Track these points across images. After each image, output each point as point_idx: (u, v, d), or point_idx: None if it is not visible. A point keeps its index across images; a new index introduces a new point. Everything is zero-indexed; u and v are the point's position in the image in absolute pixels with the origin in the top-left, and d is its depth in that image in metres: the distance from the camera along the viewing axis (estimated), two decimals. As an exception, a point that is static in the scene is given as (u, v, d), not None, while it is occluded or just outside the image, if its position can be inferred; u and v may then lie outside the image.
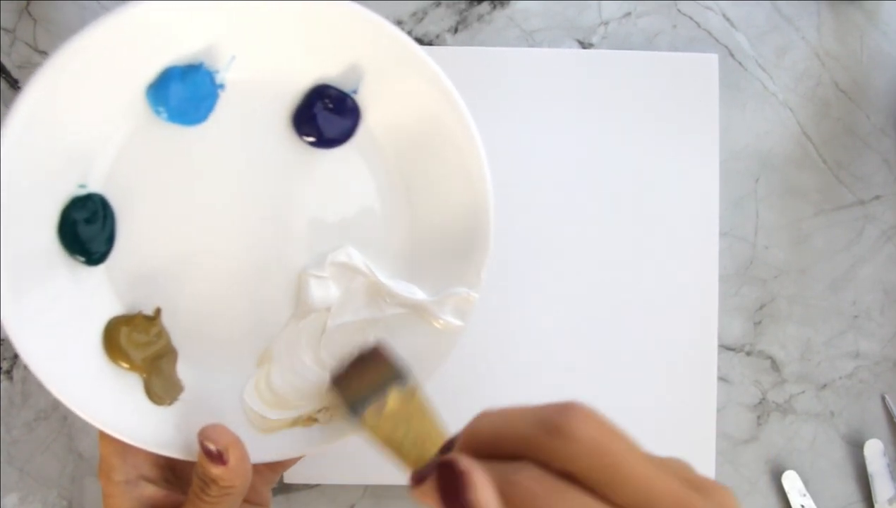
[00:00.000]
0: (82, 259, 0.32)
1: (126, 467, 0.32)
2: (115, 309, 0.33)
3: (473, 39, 0.47)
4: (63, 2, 0.45)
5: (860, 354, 0.47)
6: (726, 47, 0.47)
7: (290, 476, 0.45)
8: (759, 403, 0.47)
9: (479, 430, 0.22)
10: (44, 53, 0.45)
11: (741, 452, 0.47)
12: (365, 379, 0.30)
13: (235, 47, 0.33)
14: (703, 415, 0.45)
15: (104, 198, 0.33)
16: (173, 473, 0.34)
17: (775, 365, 0.47)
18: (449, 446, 0.24)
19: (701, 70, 0.46)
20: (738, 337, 0.47)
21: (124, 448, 0.32)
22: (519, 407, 0.22)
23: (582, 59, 0.46)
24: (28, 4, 0.45)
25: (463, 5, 0.47)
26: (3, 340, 0.45)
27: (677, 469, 0.21)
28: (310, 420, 0.34)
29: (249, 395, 0.34)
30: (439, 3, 0.47)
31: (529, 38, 0.47)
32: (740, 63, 0.47)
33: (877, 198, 0.48)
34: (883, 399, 0.47)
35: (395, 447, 0.28)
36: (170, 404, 0.33)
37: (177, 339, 0.34)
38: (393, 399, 0.29)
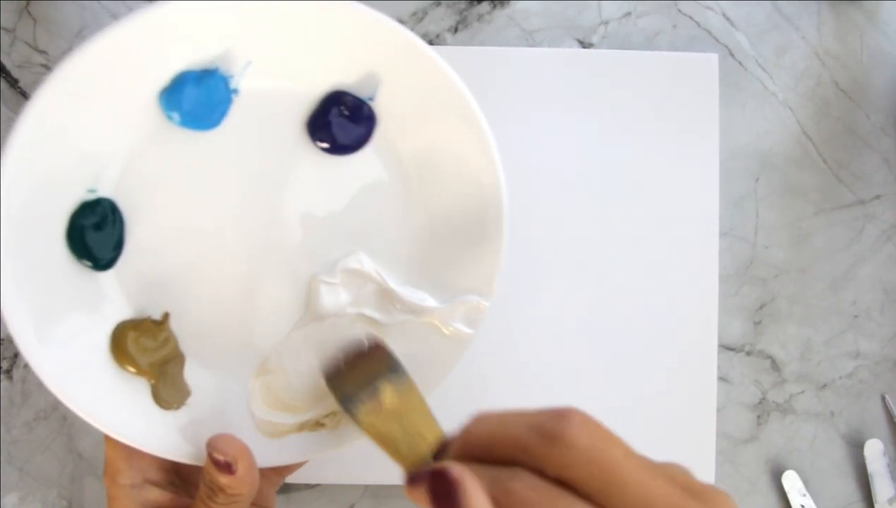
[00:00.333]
0: (89, 264, 0.32)
1: (132, 470, 0.32)
2: (123, 313, 0.33)
3: (473, 39, 0.47)
4: (63, 2, 0.45)
5: (860, 354, 0.47)
6: (726, 47, 0.47)
7: (290, 476, 0.44)
8: (759, 403, 0.47)
9: (474, 433, 0.22)
10: (44, 53, 0.45)
11: (741, 452, 0.47)
12: (358, 373, 0.30)
13: (251, 52, 0.32)
14: (703, 415, 0.45)
15: (114, 203, 0.32)
16: (178, 476, 0.34)
17: (775, 365, 0.47)
18: (443, 447, 0.24)
19: (701, 70, 0.46)
20: (738, 337, 0.47)
21: (130, 452, 0.32)
22: (515, 412, 0.22)
23: (582, 58, 0.46)
24: (28, 4, 0.45)
25: (463, 5, 0.47)
26: (3, 340, 0.45)
27: (675, 475, 0.21)
28: (317, 425, 0.34)
29: (256, 400, 0.34)
30: (439, 3, 0.47)
31: (529, 38, 0.47)
32: (740, 63, 0.47)
33: (877, 197, 0.48)
34: (883, 399, 0.47)
35: (390, 442, 0.28)
36: (177, 409, 0.33)
37: (184, 344, 0.34)
38: (386, 394, 0.29)
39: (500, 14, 0.47)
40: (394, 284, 0.35)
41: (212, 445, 0.31)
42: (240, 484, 0.30)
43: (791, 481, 0.46)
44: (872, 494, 0.46)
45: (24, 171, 0.29)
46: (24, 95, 0.45)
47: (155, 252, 0.33)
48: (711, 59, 0.46)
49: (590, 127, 0.46)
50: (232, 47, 0.32)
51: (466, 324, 0.35)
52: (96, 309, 0.33)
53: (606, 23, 0.47)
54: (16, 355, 0.45)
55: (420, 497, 0.22)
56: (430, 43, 0.46)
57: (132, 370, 0.32)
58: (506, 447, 0.21)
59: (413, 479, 0.22)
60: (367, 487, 0.45)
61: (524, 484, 0.20)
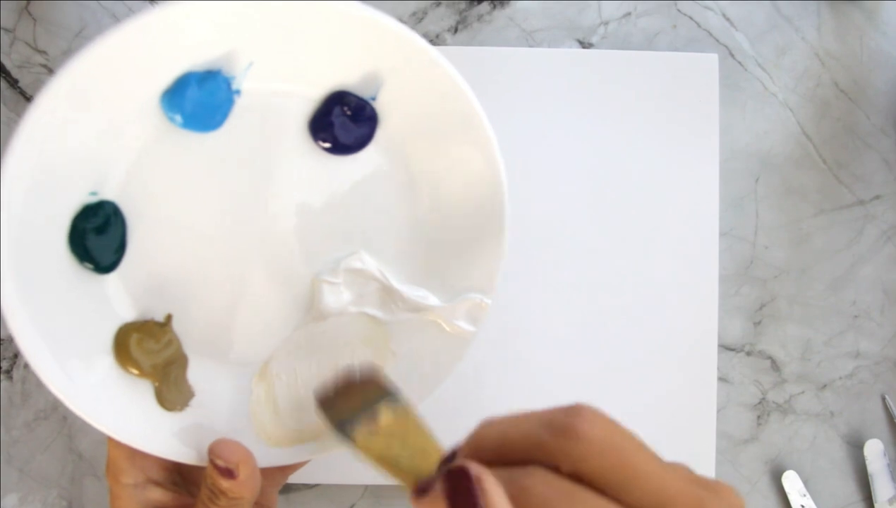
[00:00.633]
0: (91, 267, 0.32)
1: (134, 470, 0.32)
2: (126, 315, 0.33)
3: (473, 39, 0.47)
4: (63, 2, 0.45)
5: (860, 354, 0.47)
6: (726, 47, 0.47)
7: (291, 476, 0.44)
8: (759, 403, 0.47)
9: (483, 437, 0.22)
10: (44, 53, 0.45)
11: (741, 452, 0.47)
12: (351, 399, 0.29)
13: (253, 53, 0.32)
14: (703, 415, 0.45)
15: (116, 206, 0.32)
16: (181, 476, 0.34)
17: (775, 365, 0.47)
18: (449, 458, 0.24)
19: (701, 70, 0.46)
20: (738, 337, 0.47)
21: (133, 452, 0.32)
22: (524, 413, 0.22)
23: (582, 58, 0.46)
24: (28, 4, 0.45)
25: (463, 5, 0.47)
26: (3, 340, 0.45)
27: (681, 471, 0.21)
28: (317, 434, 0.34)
29: (257, 405, 0.34)
30: (439, 3, 0.47)
31: (529, 38, 0.47)
32: (740, 63, 0.47)
33: (877, 197, 0.48)
34: (883, 399, 0.47)
35: (390, 460, 0.27)
36: (181, 410, 0.33)
37: (188, 346, 0.34)
38: (384, 416, 0.28)
39: (500, 14, 0.47)
40: (396, 283, 0.35)
41: (214, 451, 0.30)
42: (241, 488, 0.30)
43: (791, 481, 0.46)
44: (872, 494, 0.46)
45: (25, 174, 0.29)
46: (24, 95, 0.45)
47: (158, 254, 0.33)
48: (711, 60, 0.46)
49: (590, 127, 0.46)
50: (234, 48, 0.32)
51: (469, 322, 0.35)
52: (99, 311, 0.32)
53: (606, 23, 0.47)
54: (16, 355, 0.45)
55: (431, 505, 0.21)
56: (430, 43, 0.46)
57: (135, 372, 0.32)
58: (517, 446, 0.21)
59: (423, 487, 0.22)
60: (367, 487, 0.45)
61: (540, 481, 0.20)
